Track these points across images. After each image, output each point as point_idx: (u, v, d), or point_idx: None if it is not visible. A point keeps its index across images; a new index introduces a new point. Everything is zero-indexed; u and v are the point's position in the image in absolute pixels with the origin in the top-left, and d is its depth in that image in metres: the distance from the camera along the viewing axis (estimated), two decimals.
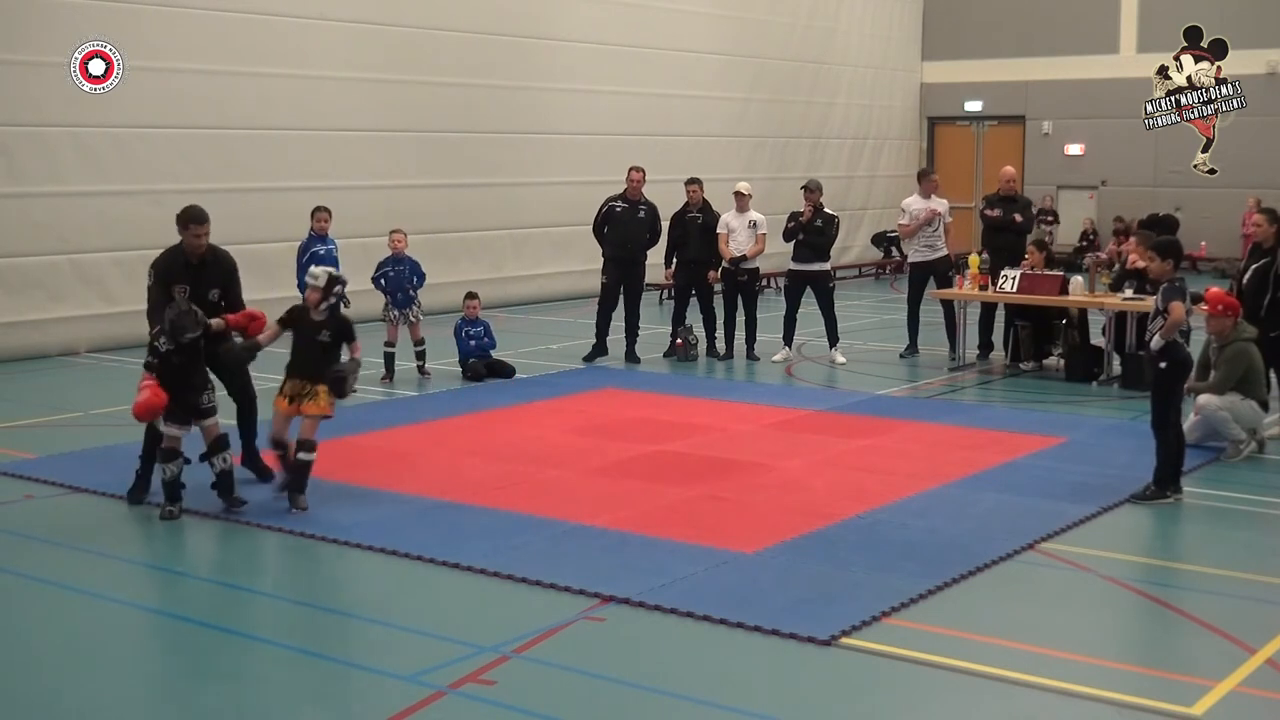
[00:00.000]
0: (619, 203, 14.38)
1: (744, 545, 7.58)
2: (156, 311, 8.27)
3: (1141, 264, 12.34)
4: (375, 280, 13.03)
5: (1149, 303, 10.08)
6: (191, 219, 8.65)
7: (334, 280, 8.53)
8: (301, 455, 8.35)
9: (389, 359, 13.07)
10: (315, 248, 12.34)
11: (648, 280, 15.14)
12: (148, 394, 8.05)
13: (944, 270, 14.74)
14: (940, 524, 8.08)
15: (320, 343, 8.47)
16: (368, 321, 12.71)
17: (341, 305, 8.61)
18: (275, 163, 16.58)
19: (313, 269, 8.90)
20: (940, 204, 14.82)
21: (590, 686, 5.76)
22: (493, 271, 18.98)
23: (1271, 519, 8.53)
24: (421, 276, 13.12)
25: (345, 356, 8.58)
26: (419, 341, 13.19)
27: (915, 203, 14.87)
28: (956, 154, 28.11)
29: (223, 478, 8.32)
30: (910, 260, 15.25)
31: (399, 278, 12.93)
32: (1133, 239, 14.32)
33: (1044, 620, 6.53)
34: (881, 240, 26.06)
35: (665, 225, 14.87)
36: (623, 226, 14.30)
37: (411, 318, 13.05)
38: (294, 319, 8.58)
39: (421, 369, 13.23)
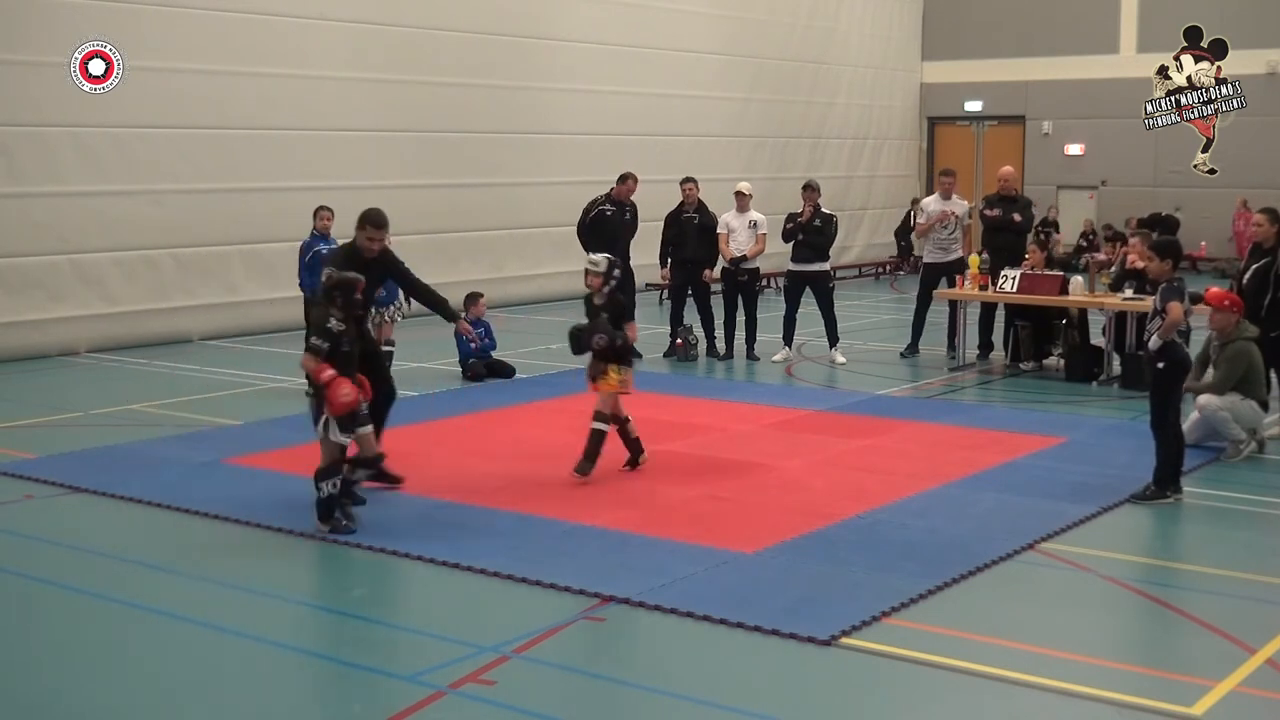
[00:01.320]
0: (608, 206, 14.36)
1: (744, 545, 7.58)
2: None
3: (1141, 264, 12.34)
4: None
5: (1149, 303, 10.08)
6: (370, 222, 8.71)
7: (613, 264, 9.24)
8: (592, 425, 9.08)
9: None
10: (318, 247, 12.32)
11: (648, 281, 15.15)
12: (351, 392, 7.56)
13: (957, 272, 14.73)
14: (940, 524, 8.08)
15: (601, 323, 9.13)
16: None
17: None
18: (276, 163, 16.58)
19: (592, 256, 9.40)
20: (958, 206, 14.84)
21: (590, 686, 5.77)
22: (493, 271, 18.98)
23: (1271, 519, 8.53)
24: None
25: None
26: (389, 342, 13.04)
27: (933, 203, 14.96)
28: (956, 154, 28.09)
29: (317, 504, 7.85)
30: (924, 261, 15.26)
31: None
32: (1132, 240, 14.31)
33: (1044, 620, 6.54)
34: (904, 233, 25.91)
35: (660, 225, 14.89)
36: (613, 229, 14.29)
37: (388, 317, 12.95)
38: (587, 307, 9.32)
39: None
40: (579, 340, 9.17)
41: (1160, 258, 8.78)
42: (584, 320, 9.25)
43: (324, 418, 7.72)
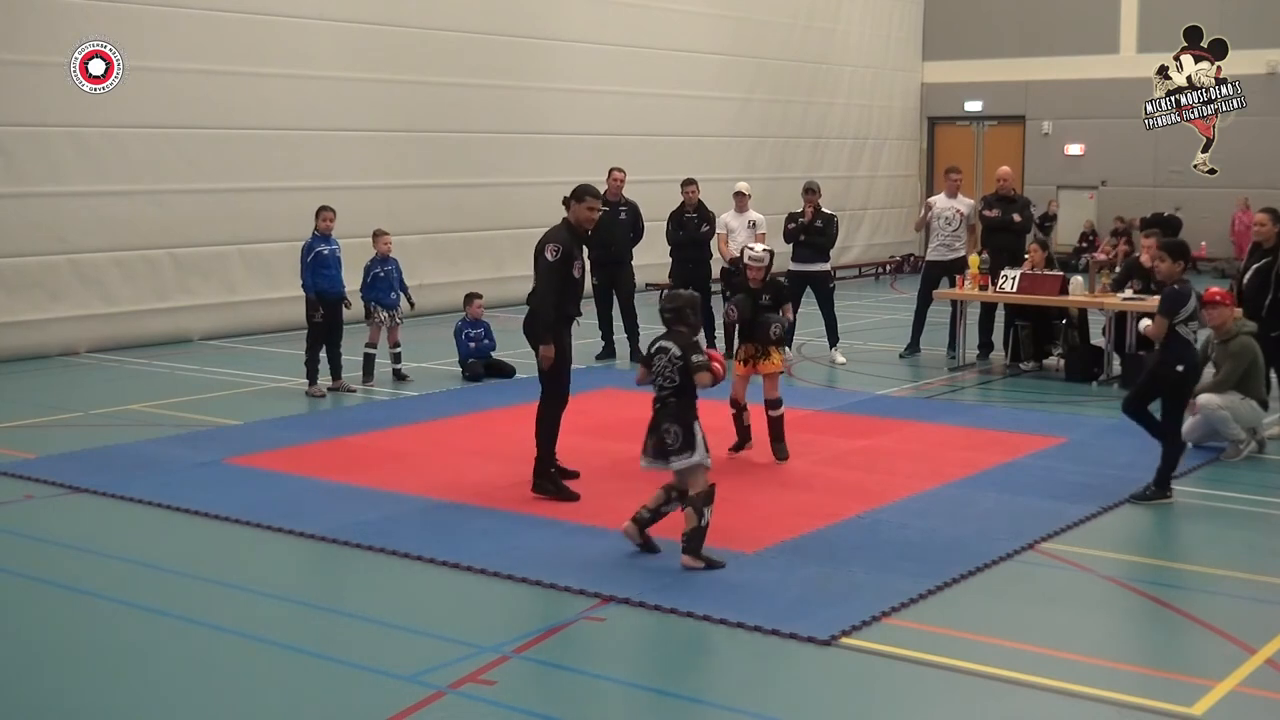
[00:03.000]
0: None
1: (744, 545, 7.57)
2: (555, 291, 8.55)
3: (1153, 263, 12.30)
4: (364, 282, 12.88)
5: (1151, 303, 10.08)
6: (590, 193, 8.98)
7: (772, 256, 9.96)
8: (771, 412, 9.60)
9: (369, 361, 12.83)
10: (319, 247, 12.30)
11: (649, 281, 15.11)
12: (718, 360, 7.48)
13: (958, 271, 14.73)
14: (940, 524, 8.08)
15: (762, 307, 9.71)
16: (350, 324, 12.69)
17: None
18: (275, 163, 16.57)
19: (753, 250, 10.04)
20: (964, 204, 14.87)
21: (590, 686, 5.77)
22: (493, 271, 18.96)
23: (1271, 519, 8.53)
24: (402, 280, 13.05)
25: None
26: (396, 344, 13.04)
27: (939, 202, 14.99)
28: (956, 154, 28.05)
29: (694, 535, 7.21)
30: (927, 259, 15.26)
31: (388, 279, 12.89)
32: (1146, 241, 14.26)
33: (1044, 620, 6.53)
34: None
35: (659, 225, 14.85)
36: (604, 230, 14.25)
37: (396, 319, 12.98)
38: (746, 296, 9.83)
39: (399, 373, 13.01)
40: (765, 330, 9.64)
41: (1172, 259, 8.77)
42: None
43: (697, 443, 7.20)
